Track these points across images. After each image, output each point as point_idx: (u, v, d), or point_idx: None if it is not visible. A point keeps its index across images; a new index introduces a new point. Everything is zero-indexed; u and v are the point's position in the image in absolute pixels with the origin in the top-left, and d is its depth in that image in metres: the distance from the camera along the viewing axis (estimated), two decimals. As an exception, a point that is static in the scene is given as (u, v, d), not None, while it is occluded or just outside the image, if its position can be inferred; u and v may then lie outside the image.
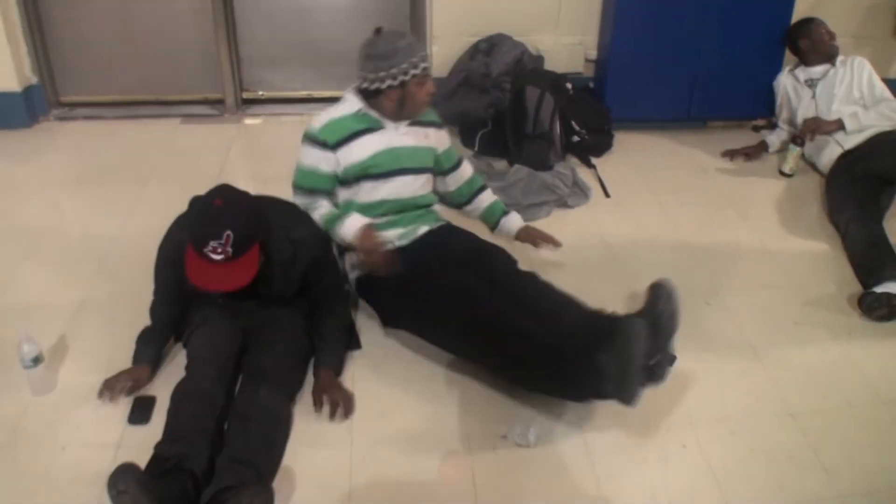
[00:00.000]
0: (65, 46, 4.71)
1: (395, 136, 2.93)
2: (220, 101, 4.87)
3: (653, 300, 2.65)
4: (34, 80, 4.64)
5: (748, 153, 4.55)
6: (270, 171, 4.04)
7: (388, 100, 2.84)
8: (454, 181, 3.25)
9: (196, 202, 2.43)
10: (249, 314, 2.65)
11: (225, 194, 2.39)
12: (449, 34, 4.45)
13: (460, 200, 3.31)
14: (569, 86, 4.40)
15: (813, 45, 4.35)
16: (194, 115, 4.81)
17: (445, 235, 3.05)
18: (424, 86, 2.84)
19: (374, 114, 2.90)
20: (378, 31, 2.82)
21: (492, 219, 3.29)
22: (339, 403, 2.56)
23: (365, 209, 2.92)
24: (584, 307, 2.67)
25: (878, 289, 3.23)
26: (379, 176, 2.91)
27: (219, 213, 2.32)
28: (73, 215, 3.80)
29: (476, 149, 4.27)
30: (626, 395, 2.34)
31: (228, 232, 2.26)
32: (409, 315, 2.84)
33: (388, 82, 2.79)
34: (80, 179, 4.08)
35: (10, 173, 4.14)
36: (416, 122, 2.99)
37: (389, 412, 2.63)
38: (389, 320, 2.94)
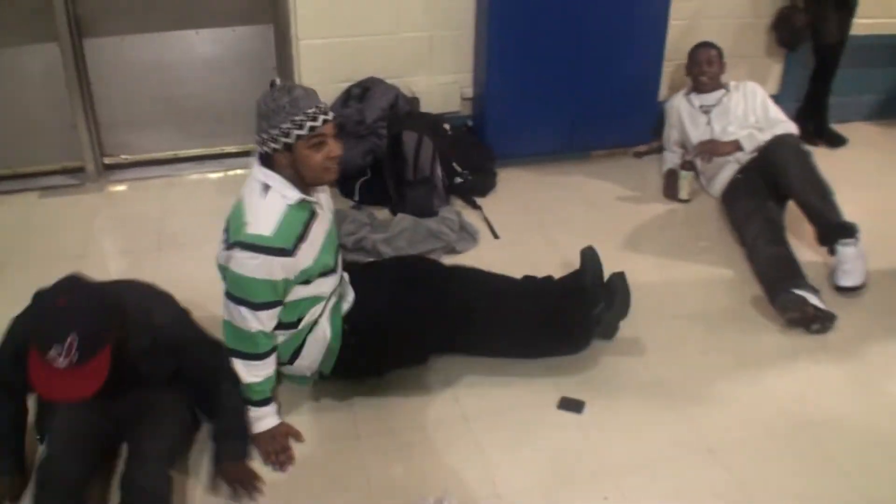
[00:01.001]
0: None
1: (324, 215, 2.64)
2: (80, 170, 4.53)
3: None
4: None
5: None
6: (140, 241, 3.82)
7: (280, 166, 2.47)
8: None
9: (39, 299, 2.23)
10: (121, 401, 2.38)
11: (69, 291, 2.18)
12: (319, 81, 4.24)
13: None
14: (447, 126, 4.25)
15: (696, 72, 4.36)
16: (53, 187, 4.45)
17: (364, 275, 2.93)
18: (321, 149, 2.45)
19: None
20: (272, 84, 2.50)
21: None
22: (245, 486, 2.40)
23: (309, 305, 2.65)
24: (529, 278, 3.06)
25: (793, 290, 3.27)
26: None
27: (62, 314, 2.09)
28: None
29: (356, 199, 4.08)
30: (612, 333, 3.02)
31: (73, 336, 2.03)
32: (405, 353, 2.84)
33: (272, 145, 2.44)
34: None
35: None
36: None
37: None
38: (385, 371, 2.86)
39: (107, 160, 4.60)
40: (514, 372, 2.95)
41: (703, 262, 3.77)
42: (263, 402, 2.56)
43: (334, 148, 2.48)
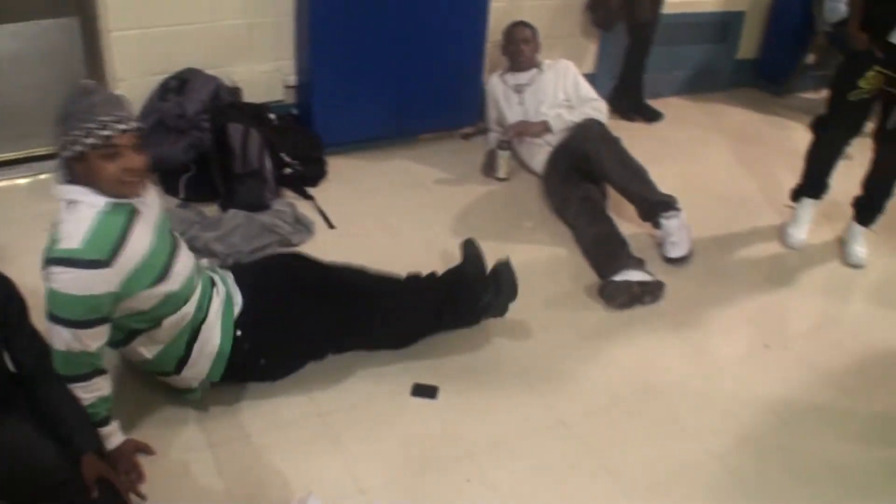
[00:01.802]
0: None
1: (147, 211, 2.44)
2: None
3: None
4: None
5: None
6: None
7: (80, 175, 2.26)
8: None
9: None
10: None
11: None
12: (133, 74, 4.03)
13: None
14: (272, 116, 4.13)
15: (512, 51, 4.41)
16: None
17: (249, 275, 2.82)
18: (115, 160, 2.23)
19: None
20: (77, 85, 2.30)
21: None
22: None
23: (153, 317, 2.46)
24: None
25: (617, 277, 3.37)
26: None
27: None
28: None
29: (182, 196, 3.90)
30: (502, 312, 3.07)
31: None
32: (304, 354, 2.83)
33: (64, 152, 2.23)
34: None
35: None
36: None
37: None
38: (280, 376, 2.81)
39: None
40: (366, 364, 2.92)
41: (533, 241, 3.86)
42: (101, 423, 2.39)
43: (133, 160, 2.26)
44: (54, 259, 2.18)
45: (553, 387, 2.91)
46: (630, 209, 3.85)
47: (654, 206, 3.71)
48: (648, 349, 3.16)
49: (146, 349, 2.51)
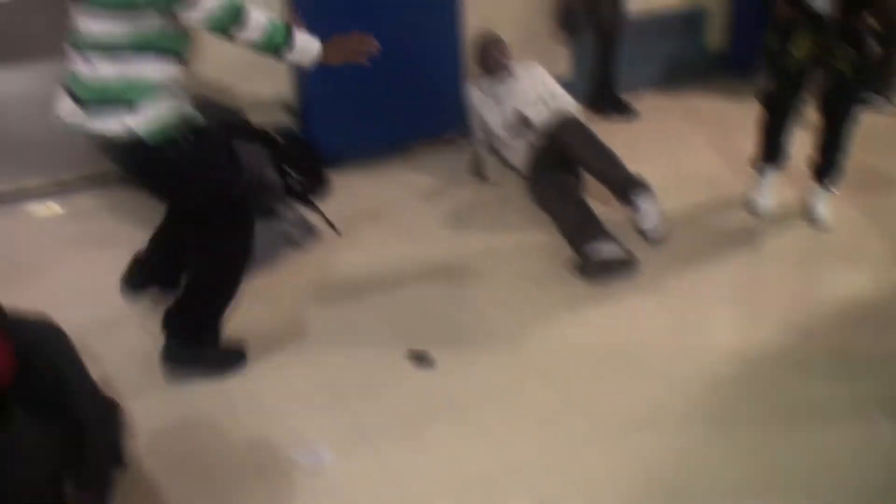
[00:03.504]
0: None
1: None
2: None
3: None
4: None
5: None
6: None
7: None
8: None
9: None
10: None
11: None
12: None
13: None
14: (277, 136, 4.53)
15: (489, 62, 4.75)
16: None
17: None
18: None
19: None
20: None
21: None
22: None
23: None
24: None
25: (592, 251, 3.70)
26: None
27: None
28: None
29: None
30: None
31: None
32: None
33: None
34: None
35: None
36: None
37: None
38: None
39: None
40: (366, 333, 3.39)
41: (519, 230, 4.23)
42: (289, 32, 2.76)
43: None
44: None
45: (536, 346, 3.29)
46: (606, 195, 4.14)
47: (627, 185, 3.99)
48: (623, 312, 3.49)
49: None
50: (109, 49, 2.58)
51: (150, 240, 3.45)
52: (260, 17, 2.67)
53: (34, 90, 4.20)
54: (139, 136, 2.63)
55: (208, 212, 2.89)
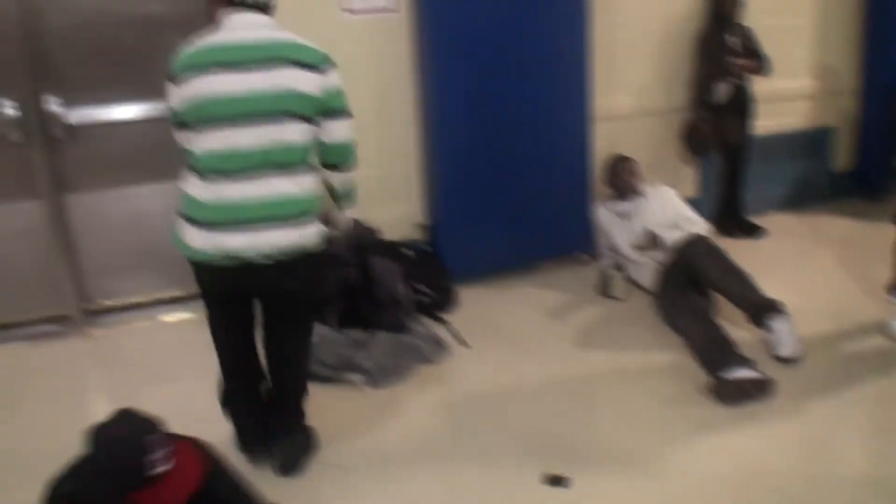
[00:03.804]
0: None
1: None
2: (64, 317, 4.79)
3: None
4: None
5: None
6: (128, 379, 4.11)
7: None
8: None
9: (103, 457, 2.19)
10: None
11: (114, 420, 2.25)
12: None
13: None
14: (407, 251, 4.67)
15: (618, 183, 4.83)
16: (39, 335, 4.71)
17: None
18: None
19: None
20: None
21: None
22: None
23: None
24: None
25: (728, 375, 3.62)
26: None
27: (129, 433, 2.18)
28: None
29: (332, 324, 4.40)
30: None
31: (152, 436, 2.16)
32: None
33: None
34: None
35: None
36: None
37: None
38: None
39: (89, 307, 4.87)
40: (497, 452, 3.32)
41: (648, 349, 4.18)
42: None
43: None
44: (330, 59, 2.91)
45: (674, 471, 3.20)
46: (738, 315, 4.11)
47: (761, 308, 3.96)
48: (761, 437, 3.39)
49: None
50: None
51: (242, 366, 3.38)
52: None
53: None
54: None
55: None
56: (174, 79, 2.84)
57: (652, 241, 4.54)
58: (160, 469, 2.12)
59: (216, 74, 2.76)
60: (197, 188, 2.87)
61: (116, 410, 2.32)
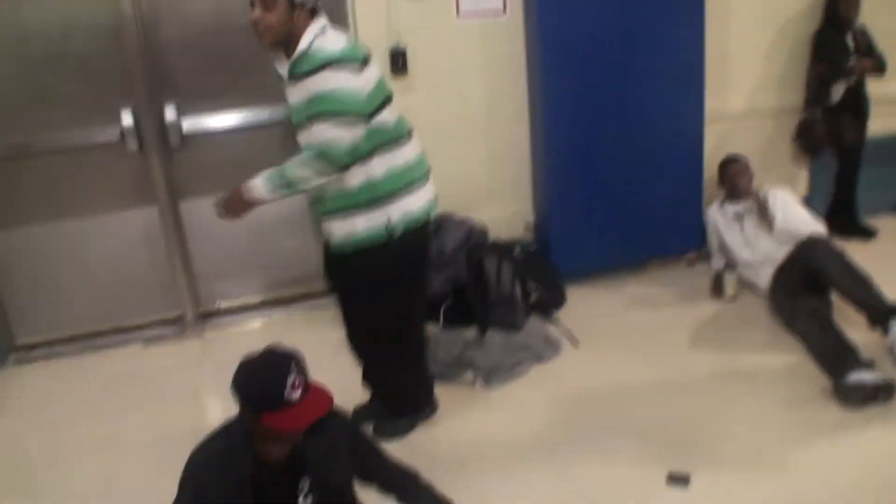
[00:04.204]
0: (17, 289, 4.76)
1: None
2: (179, 320, 4.93)
3: None
4: (-11, 329, 4.65)
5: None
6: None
7: None
8: None
9: (244, 379, 2.28)
10: None
11: (259, 354, 2.32)
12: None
13: None
14: (517, 250, 4.65)
15: (730, 184, 4.76)
16: (155, 338, 4.85)
17: None
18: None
19: None
20: None
21: None
22: None
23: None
24: None
25: (851, 378, 3.55)
26: None
27: (274, 357, 2.28)
28: (65, 461, 3.73)
29: (441, 323, 4.44)
30: None
31: (293, 362, 2.25)
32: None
33: None
34: (59, 423, 4.04)
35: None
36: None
37: None
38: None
39: (203, 309, 5.00)
40: (620, 451, 3.31)
41: (765, 353, 4.10)
42: None
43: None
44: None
45: (796, 477, 3.12)
46: (856, 318, 4.01)
47: (883, 311, 3.88)
48: (888, 443, 3.30)
49: None
50: None
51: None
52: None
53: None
54: None
55: None
56: (352, 66, 2.93)
57: (767, 244, 4.47)
58: (296, 394, 2.20)
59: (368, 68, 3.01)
60: (390, 159, 3.07)
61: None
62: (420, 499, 2.55)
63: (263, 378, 2.23)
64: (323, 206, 3.13)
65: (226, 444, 2.33)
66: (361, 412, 3.60)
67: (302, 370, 2.25)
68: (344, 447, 2.46)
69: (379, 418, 3.55)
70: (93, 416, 4.04)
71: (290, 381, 2.19)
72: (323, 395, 2.30)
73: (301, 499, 2.37)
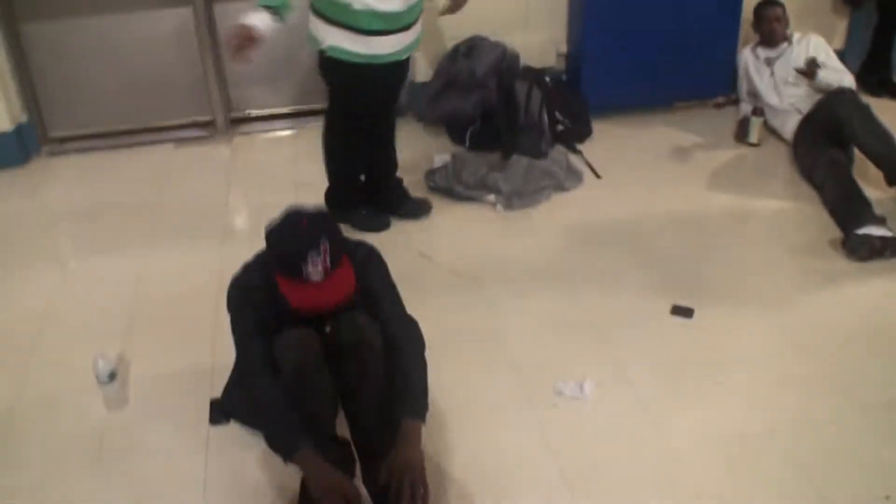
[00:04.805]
0: (50, 83, 4.83)
1: None
2: (209, 123, 5.01)
3: None
4: (24, 118, 4.74)
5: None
6: (274, 185, 4.32)
7: None
8: None
9: (274, 232, 2.27)
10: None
11: (306, 213, 2.27)
12: (428, 40, 4.64)
13: None
14: (547, 79, 4.66)
15: (764, 28, 4.69)
16: (186, 139, 4.94)
17: None
18: None
19: None
20: None
21: None
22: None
23: None
24: None
25: (860, 231, 3.59)
26: None
27: (310, 227, 2.21)
28: (94, 250, 3.89)
29: (467, 145, 4.51)
30: None
31: (324, 242, 2.15)
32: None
33: None
34: (88, 213, 4.20)
35: (16, 210, 4.28)
36: None
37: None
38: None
39: (234, 115, 5.07)
40: (631, 283, 3.44)
41: (781, 198, 4.16)
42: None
43: None
44: None
45: (796, 318, 3.23)
46: (875, 175, 4.04)
47: None
48: (886, 295, 3.38)
49: None
50: None
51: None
52: None
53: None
54: None
55: None
56: None
57: (812, 66, 4.42)
58: (315, 274, 2.15)
59: None
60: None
61: (290, 210, 2.34)
62: (398, 368, 2.38)
63: (290, 242, 2.21)
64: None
65: (259, 280, 2.35)
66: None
67: (330, 253, 2.15)
68: (360, 304, 2.42)
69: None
70: (125, 212, 4.18)
71: (311, 257, 2.13)
72: (341, 287, 2.22)
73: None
